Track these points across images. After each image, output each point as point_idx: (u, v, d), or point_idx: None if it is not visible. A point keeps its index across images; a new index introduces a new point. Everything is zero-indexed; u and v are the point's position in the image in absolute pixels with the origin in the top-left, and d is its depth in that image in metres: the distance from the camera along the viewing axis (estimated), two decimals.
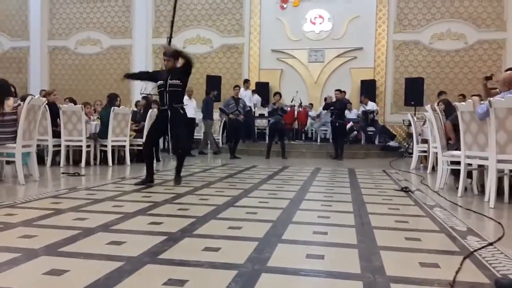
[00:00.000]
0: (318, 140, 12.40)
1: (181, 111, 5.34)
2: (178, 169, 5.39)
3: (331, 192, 4.97)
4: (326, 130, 12.52)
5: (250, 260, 2.36)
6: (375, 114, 11.60)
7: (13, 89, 5.70)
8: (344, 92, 11.58)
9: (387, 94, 13.32)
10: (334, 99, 10.42)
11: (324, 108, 11.12)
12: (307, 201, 4.40)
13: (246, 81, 12.29)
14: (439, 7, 13.00)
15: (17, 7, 15.40)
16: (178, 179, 5.34)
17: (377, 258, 2.45)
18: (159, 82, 5.31)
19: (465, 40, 12.87)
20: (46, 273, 2.10)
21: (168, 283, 2.01)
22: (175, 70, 5.32)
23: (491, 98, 4.18)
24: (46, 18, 15.29)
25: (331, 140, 11.02)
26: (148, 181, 5.24)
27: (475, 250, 2.60)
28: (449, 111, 5.83)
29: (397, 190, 5.15)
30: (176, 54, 5.35)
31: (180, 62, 5.35)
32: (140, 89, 11.80)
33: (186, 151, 5.50)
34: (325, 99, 12.41)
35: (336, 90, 10.43)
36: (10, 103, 4.99)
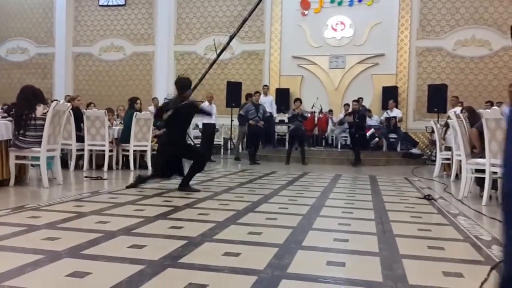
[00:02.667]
0: (339, 147, 12.31)
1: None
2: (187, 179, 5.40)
3: (352, 199, 4.92)
4: (346, 137, 12.41)
5: (270, 266, 2.35)
6: (397, 120, 11.46)
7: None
8: (361, 99, 11.43)
9: (409, 100, 13.15)
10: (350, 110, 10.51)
11: (340, 124, 11.13)
12: (327, 207, 4.36)
13: (264, 87, 12.26)
14: (463, 14, 12.81)
15: (43, 14, 15.79)
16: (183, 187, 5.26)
17: (399, 266, 2.41)
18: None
19: (489, 47, 12.63)
20: (69, 275, 2.13)
21: (188, 287, 2.01)
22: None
23: None
24: (71, 25, 15.63)
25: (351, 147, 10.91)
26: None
27: (502, 261, 2.53)
28: (473, 118, 5.72)
29: (420, 198, 5.07)
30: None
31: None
32: (167, 95, 11.91)
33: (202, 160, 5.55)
34: (345, 105, 12.37)
35: (353, 101, 10.33)
36: (41, 109, 5.14)
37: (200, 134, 10.94)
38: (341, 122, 11.19)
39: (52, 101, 6.30)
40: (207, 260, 2.43)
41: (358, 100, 10.31)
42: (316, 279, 2.19)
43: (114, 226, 3.20)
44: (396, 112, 11.72)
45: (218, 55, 12.04)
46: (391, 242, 2.96)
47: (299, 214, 3.87)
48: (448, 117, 6.87)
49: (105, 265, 2.32)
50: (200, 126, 10.60)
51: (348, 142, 12.22)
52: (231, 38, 12.02)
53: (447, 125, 7.76)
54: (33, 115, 5.09)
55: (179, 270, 2.28)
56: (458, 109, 9.01)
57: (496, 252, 2.74)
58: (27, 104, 5.11)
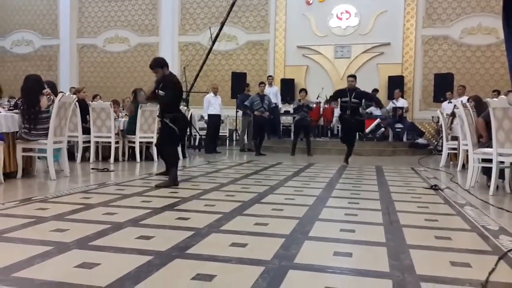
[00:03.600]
0: None
1: (166, 121, 5.10)
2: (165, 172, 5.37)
3: (358, 190, 4.91)
4: None
5: (277, 256, 2.36)
6: (404, 111, 11.40)
7: (49, 87, 5.85)
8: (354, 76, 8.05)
9: (415, 90, 13.06)
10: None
11: (327, 102, 8.91)
12: (333, 198, 4.36)
13: (269, 78, 12.21)
14: (470, 1, 12.66)
15: (48, 6, 15.76)
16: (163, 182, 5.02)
17: (407, 256, 2.41)
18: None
19: (496, 35, 12.48)
20: (78, 266, 2.15)
21: (196, 278, 2.02)
22: (162, 81, 5.14)
23: None
24: (75, 17, 15.60)
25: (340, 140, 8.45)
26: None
27: (509, 250, 2.52)
28: (480, 107, 5.68)
29: (427, 188, 5.06)
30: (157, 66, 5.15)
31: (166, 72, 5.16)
32: None
33: (165, 156, 5.37)
34: None
35: (349, 77, 7.73)
36: (44, 101, 5.15)
37: (205, 126, 10.95)
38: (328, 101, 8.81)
39: (58, 93, 6.31)
40: (215, 250, 2.44)
41: (355, 76, 7.79)
42: (323, 269, 2.19)
43: (122, 217, 3.22)
44: (402, 102, 11.66)
45: (213, 43, 11.97)
46: (398, 233, 2.96)
47: (305, 205, 3.88)
48: (455, 107, 6.82)
49: (113, 256, 2.34)
50: (206, 118, 10.60)
51: None
52: (222, 24, 11.93)
53: (453, 115, 7.72)
54: (38, 108, 5.09)
55: (187, 260, 2.29)
56: (464, 98, 8.95)
57: (503, 242, 2.73)
58: (31, 95, 5.12)
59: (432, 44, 12.95)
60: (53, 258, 2.29)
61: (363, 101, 8.39)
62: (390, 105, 11.64)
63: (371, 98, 8.91)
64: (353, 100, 7.50)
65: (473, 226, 3.18)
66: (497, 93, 9.50)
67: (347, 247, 2.62)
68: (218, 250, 2.45)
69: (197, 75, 11.98)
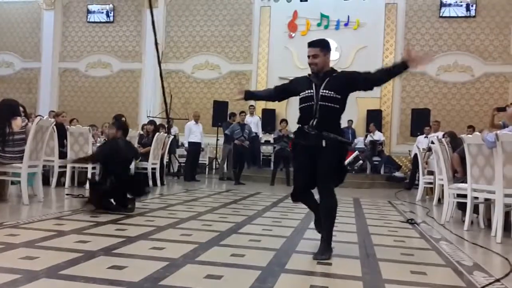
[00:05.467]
0: None
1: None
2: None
3: (336, 222, 4.90)
4: None
5: None
6: (380, 144, 11.59)
7: (22, 109, 5.75)
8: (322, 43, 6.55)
9: (393, 124, 13.33)
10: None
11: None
12: (311, 230, 4.33)
13: (250, 107, 12.31)
14: (446, 40, 13.13)
15: (31, 29, 15.71)
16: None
17: None
18: None
19: (471, 73, 12.94)
20: None
21: None
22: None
23: (498, 132, 4.17)
24: (58, 41, 15.56)
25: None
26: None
27: (483, 287, 2.54)
28: (455, 143, 5.81)
29: (403, 222, 5.09)
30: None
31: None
32: (147, 112, 11.96)
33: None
34: None
35: (310, 45, 3.63)
36: (18, 122, 5.04)
37: (185, 153, 10.90)
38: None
39: (36, 116, 6.23)
40: (189, 282, 2.40)
41: (323, 43, 4.06)
42: None
43: (95, 245, 3.14)
44: (378, 135, 11.85)
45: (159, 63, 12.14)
46: (374, 266, 2.95)
47: (283, 236, 3.86)
48: (432, 142, 6.96)
49: (83, 286, 2.27)
50: (186, 145, 10.56)
51: None
52: (156, 44, 12.10)
53: (430, 150, 7.86)
54: (10, 130, 4.97)
55: None
56: (440, 133, 9.15)
57: (477, 278, 2.75)
58: (2, 116, 5.00)
59: (409, 80, 13.30)
60: (21, 287, 2.21)
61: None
62: (368, 139, 11.81)
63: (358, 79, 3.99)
64: (323, 93, 3.33)
65: (448, 262, 3.20)
66: (472, 129, 9.75)
67: (323, 280, 2.60)
68: (192, 282, 2.40)
69: (165, 100, 12.00)
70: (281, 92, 3.66)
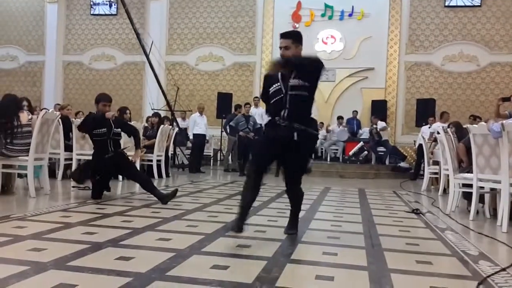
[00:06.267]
0: (328, 159, 12.35)
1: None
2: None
3: (341, 212, 4.93)
4: (336, 150, 12.49)
5: (259, 279, 2.34)
6: (379, 129, 11.56)
7: (26, 103, 5.79)
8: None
9: (398, 114, 13.29)
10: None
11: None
12: (316, 220, 4.36)
13: (255, 99, 12.29)
14: (451, 29, 13.03)
15: (34, 23, 15.72)
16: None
17: (388, 281, 2.41)
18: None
19: (477, 62, 12.85)
20: (54, 287, 2.10)
21: None
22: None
23: (504, 121, 4.15)
24: (62, 34, 15.57)
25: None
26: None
27: (488, 276, 2.55)
28: (460, 133, 5.79)
29: (408, 212, 5.09)
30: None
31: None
32: (150, 105, 11.97)
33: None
34: (338, 118, 12.50)
35: (282, 36, 3.68)
36: (24, 115, 5.10)
37: (190, 145, 10.92)
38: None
39: (41, 110, 6.25)
40: (195, 273, 2.41)
41: (293, 33, 3.95)
42: None
43: (101, 237, 3.16)
44: (380, 125, 11.81)
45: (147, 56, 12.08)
46: (379, 256, 2.96)
47: None
48: (437, 132, 6.94)
49: (91, 277, 2.29)
50: (191, 137, 10.58)
51: (339, 154, 12.30)
52: (137, 35, 12.03)
53: (435, 140, 7.84)
54: (18, 123, 5.03)
55: (167, 283, 2.25)
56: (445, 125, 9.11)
57: (483, 267, 2.75)
58: (9, 111, 5.05)
59: (414, 70, 13.23)
60: (29, 278, 2.23)
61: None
62: (373, 130, 11.78)
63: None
64: (292, 83, 3.32)
65: (453, 251, 3.21)
66: (473, 118, 9.69)
67: (329, 270, 2.61)
68: (199, 273, 2.42)
69: (163, 92, 12.02)
70: (264, 94, 3.54)
